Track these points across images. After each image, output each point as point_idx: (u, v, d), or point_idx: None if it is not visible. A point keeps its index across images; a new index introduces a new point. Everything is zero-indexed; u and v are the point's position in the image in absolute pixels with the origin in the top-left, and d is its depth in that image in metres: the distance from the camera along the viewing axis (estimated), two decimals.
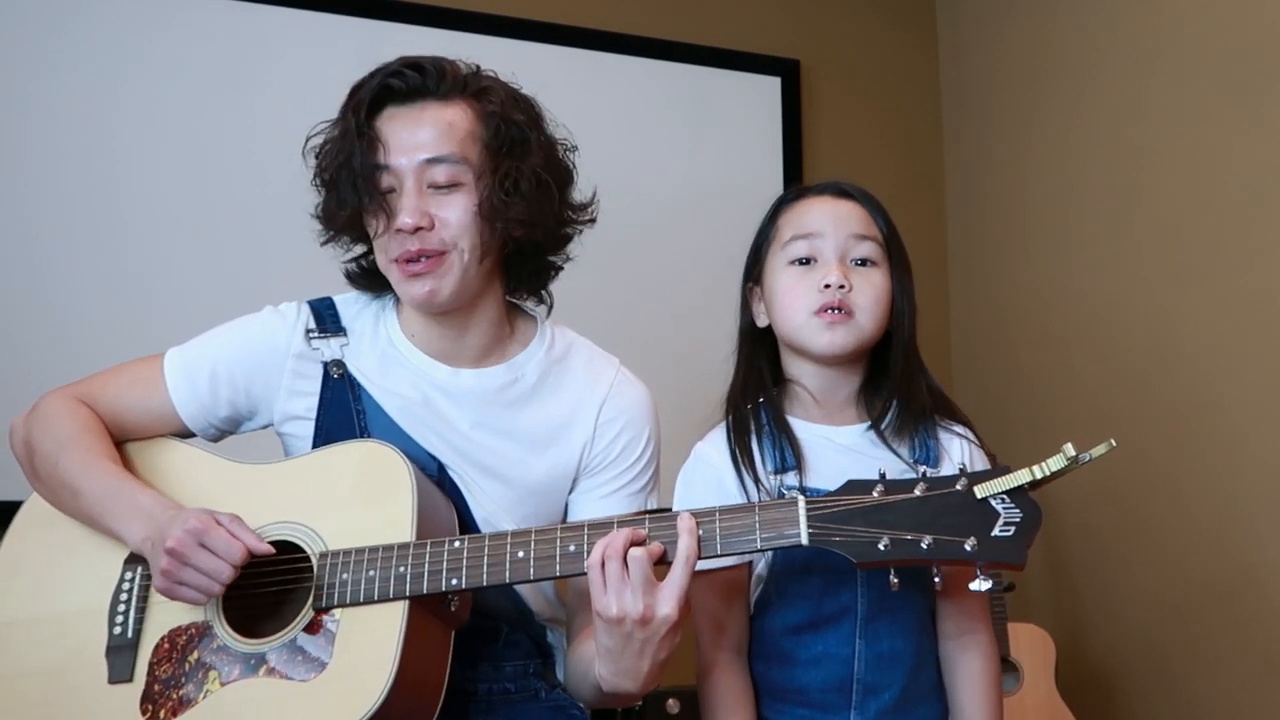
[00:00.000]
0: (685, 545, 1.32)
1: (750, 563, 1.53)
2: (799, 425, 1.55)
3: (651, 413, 1.67)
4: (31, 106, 2.73)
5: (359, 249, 1.65)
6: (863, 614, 1.49)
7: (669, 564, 1.34)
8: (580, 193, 1.65)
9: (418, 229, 1.49)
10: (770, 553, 1.49)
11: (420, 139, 1.51)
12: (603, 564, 1.33)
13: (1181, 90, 2.80)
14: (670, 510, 1.38)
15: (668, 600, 1.32)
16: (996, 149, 3.42)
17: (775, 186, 3.35)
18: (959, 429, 1.59)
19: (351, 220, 1.54)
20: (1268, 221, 2.57)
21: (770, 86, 3.41)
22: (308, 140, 1.60)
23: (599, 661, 1.40)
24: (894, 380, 1.57)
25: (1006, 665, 2.76)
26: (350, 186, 1.50)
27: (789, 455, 1.52)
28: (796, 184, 3.31)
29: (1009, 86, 3.37)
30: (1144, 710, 2.85)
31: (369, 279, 1.66)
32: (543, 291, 1.69)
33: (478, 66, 1.59)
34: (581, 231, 1.66)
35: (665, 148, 3.26)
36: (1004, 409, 3.26)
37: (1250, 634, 2.58)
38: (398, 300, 1.65)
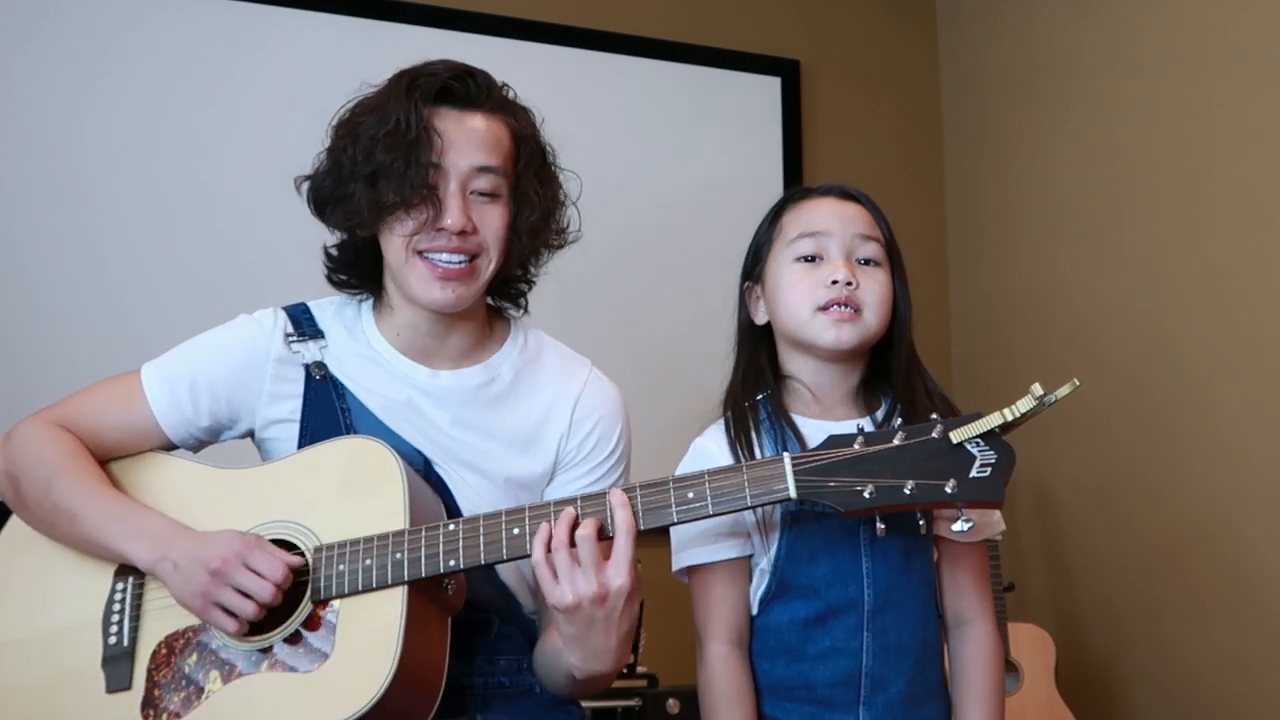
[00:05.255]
0: (623, 518, 1.36)
1: (750, 556, 1.54)
2: (797, 420, 1.56)
3: (623, 411, 1.70)
4: (15, 106, 2.73)
5: (338, 235, 1.65)
6: (869, 606, 1.49)
7: (609, 540, 1.38)
8: (567, 217, 1.69)
9: (461, 231, 1.53)
10: (774, 549, 1.51)
11: (471, 144, 1.54)
12: (549, 552, 1.36)
13: (1180, 91, 2.81)
14: (600, 492, 1.41)
15: (618, 572, 1.36)
16: (997, 149, 3.42)
17: (775, 186, 3.35)
18: None
19: (386, 211, 1.52)
20: (1262, 223, 2.58)
21: (770, 86, 3.41)
22: (337, 121, 1.58)
23: (566, 651, 1.43)
24: (896, 383, 1.58)
25: (1006, 665, 2.76)
26: (402, 178, 1.49)
27: (793, 447, 1.52)
28: (797, 184, 3.33)
29: (1009, 86, 3.37)
30: (1143, 710, 2.85)
31: (349, 272, 1.66)
32: (520, 300, 1.73)
33: (506, 84, 1.62)
34: (555, 251, 1.70)
35: (665, 148, 3.27)
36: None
37: (1247, 634, 2.59)
38: (375, 304, 1.66)
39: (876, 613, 1.50)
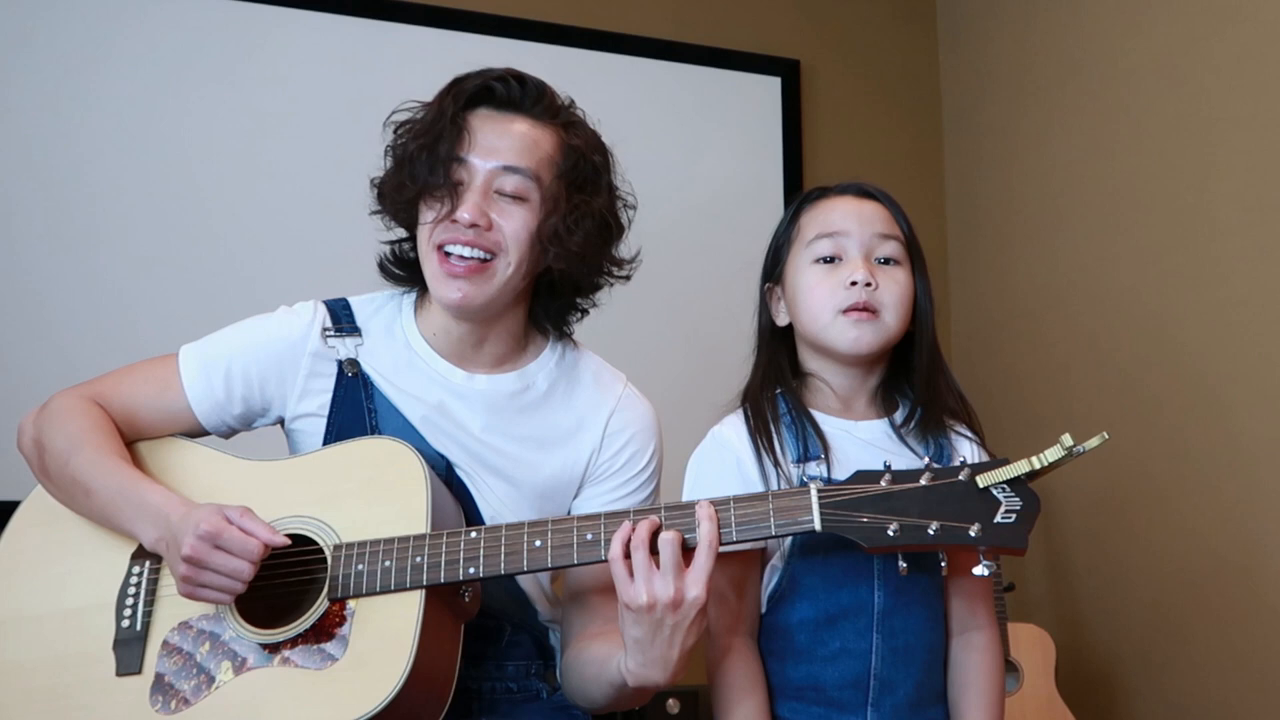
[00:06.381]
0: (707, 531, 1.35)
1: (764, 549, 1.53)
2: (818, 417, 1.56)
3: (657, 430, 1.69)
4: (11, 105, 2.72)
5: (398, 232, 1.67)
6: (880, 608, 1.49)
7: (688, 552, 1.36)
8: (627, 248, 1.68)
9: (474, 225, 1.53)
10: (788, 544, 1.51)
11: (503, 145, 1.55)
12: (626, 555, 1.35)
13: (1179, 91, 2.81)
14: (686, 502, 1.39)
15: (696, 582, 1.34)
16: (996, 149, 3.42)
17: (776, 186, 3.35)
18: (968, 434, 1.60)
19: (411, 200, 1.57)
20: (1262, 222, 2.58)
21: (770, 86, 3.41)
22: (392, 114, 1.63)
23: (627, 655, 1.40)
24: (919, 381, 1.58)
25: (1007, 665, 2.76)
26: (426, 167, 1.54)
27: (813, 445, 1.52)
28: (797, 184, 3.33)
29: (1009, 86, 3.37)
30: (1144, 710, 2.85)
31: (401, 267, 1.68)
32: (564, 326, 1.71)
33: (571, 100, 1.64)
34: (613, 284, 1.70)
35: (665, 148, 3.26)
36: (1004, 409, 3.26)
37: (1248, 634, 2.59)
38: (416, 300, 1.68)
39: (887, 615, 1.50)
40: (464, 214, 1.52)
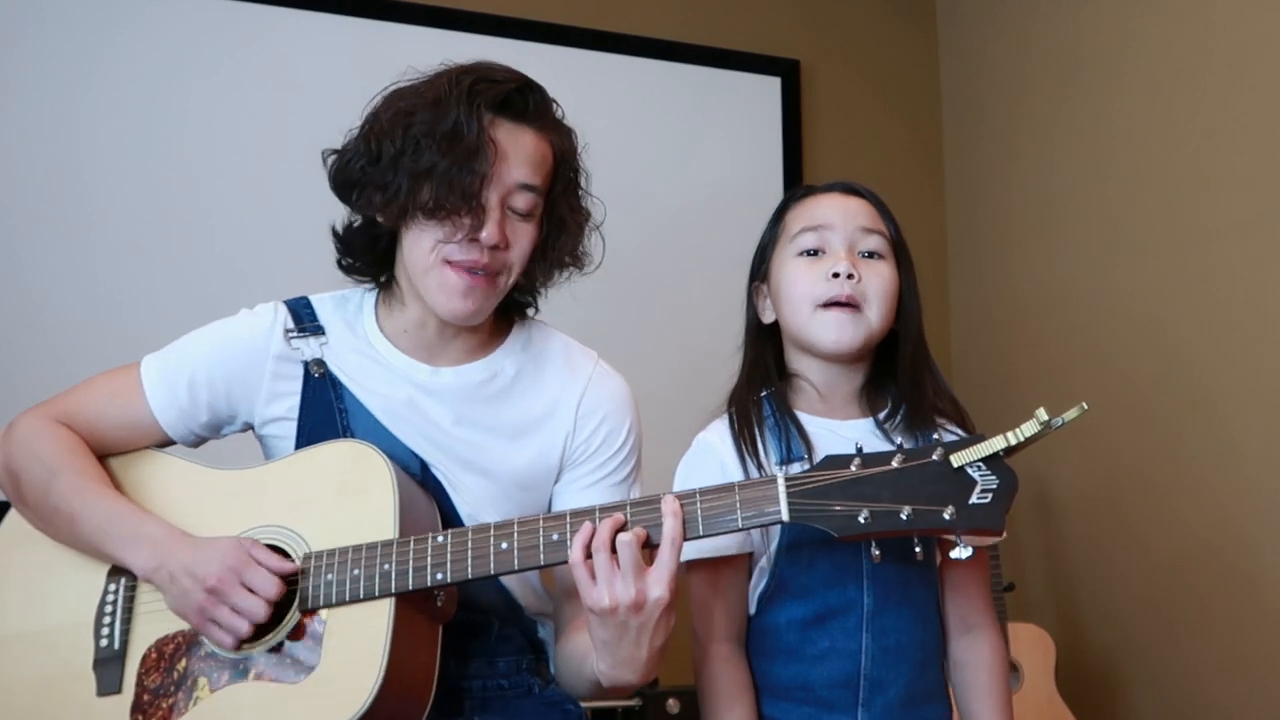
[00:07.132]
0: (670, 527, 1.32)
1: (750, 554, 1.53)
2: (803, 418, 1.56)
3: (631, 405, 1.67)
4: (8, 104, 2.72)
5: (352, 217, 1.62)
6: (869, 607, 1.49)
7: (652, 549, 1.34)
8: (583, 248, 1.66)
9: (494, 247, 1.51)
10: (774, 546, 1.50)
11: (518, 160, 1.51)
12: (587, 557, 1.33)
13: (1178, 91, 2.80)
14: (651, 496, 1.37)
15: (658, 582, 1.32)
16: (997, 149, 3.42)
17: (775, 186, 3.35)
18: (959, 432, 1.59)
19: (426, 212, 1.49)
20: (1261, 223, 2.58)
21: (770, 86, 3.41)
22: (383, 103, 1.54)
23: (596, 656, 1.39)
24: (902, 379, 1.57)
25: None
26: (451, 186, 1.46)
27: (797, 446, 1.52)
28: (797, 184, 3.33)
29: (1010, 86, 3.37)
30: (1143, 710, 2.85)
31: (360, 256, 1.63)
32: (524, 313, 1.71)
33: (555, 100, 1.60)
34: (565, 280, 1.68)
35: (665, 148, 3.27)
36: (1002, 408, 3.26)
37: (1247, 633, 2.58)
38: (376, 301, 1.65)
39: (876, 614, 1.49)
40: (488, 235, 1.49)
